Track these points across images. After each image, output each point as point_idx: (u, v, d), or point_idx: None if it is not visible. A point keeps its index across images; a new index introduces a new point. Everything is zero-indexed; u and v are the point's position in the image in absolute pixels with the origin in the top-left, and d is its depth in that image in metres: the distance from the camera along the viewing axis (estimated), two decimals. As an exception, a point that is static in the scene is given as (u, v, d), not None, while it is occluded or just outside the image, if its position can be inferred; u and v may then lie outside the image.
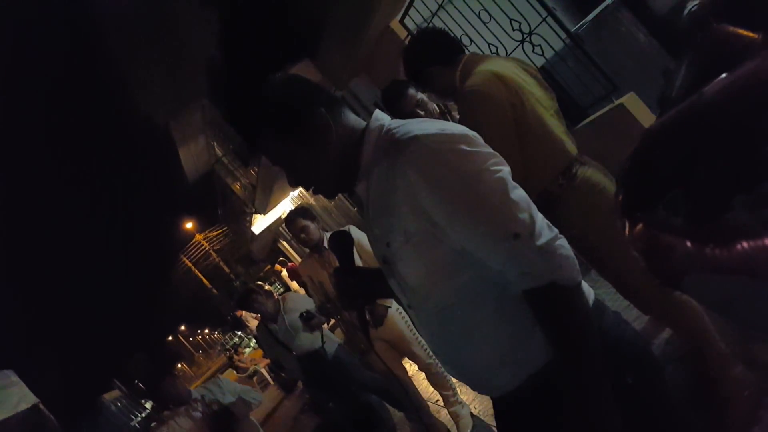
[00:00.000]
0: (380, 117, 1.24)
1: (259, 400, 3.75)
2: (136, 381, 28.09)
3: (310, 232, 3.54)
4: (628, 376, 1.11)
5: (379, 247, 1.23)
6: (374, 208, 1.21)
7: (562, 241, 1.06)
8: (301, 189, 12.34)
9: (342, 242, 1.44)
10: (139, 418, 19.35)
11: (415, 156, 1.08)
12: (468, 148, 1.08)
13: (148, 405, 23.34)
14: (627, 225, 0.68)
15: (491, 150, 1.11)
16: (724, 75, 0.77)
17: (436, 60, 2.18)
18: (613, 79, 3.54)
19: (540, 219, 1.06)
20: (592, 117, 3.62)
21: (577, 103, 3.77)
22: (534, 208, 1.07)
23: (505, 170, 1.09)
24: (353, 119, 1.27)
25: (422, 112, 2.62)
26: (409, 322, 3.68)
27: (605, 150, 2.34)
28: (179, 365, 52.24)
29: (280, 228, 14.64)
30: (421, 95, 2.70)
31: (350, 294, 1.41)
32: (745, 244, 0.56)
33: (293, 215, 3.68)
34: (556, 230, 1.07)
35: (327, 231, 3.78)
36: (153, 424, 6.74)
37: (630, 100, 3.32)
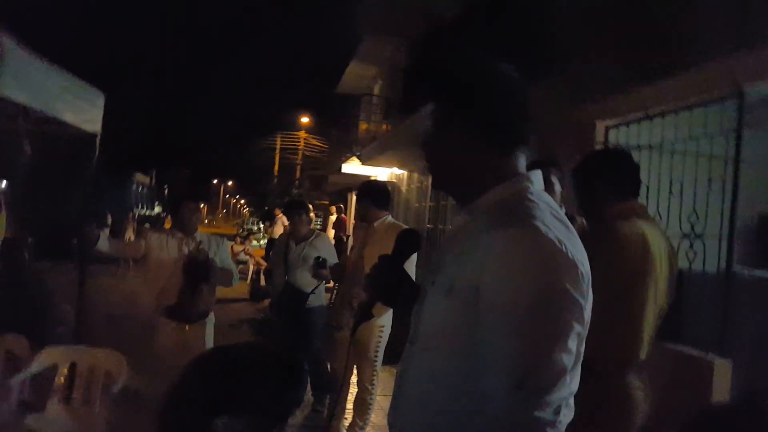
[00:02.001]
0: (535, 180, 1.16)
1: (235, 284, 3.84)
2: (166, 185, 29.50)
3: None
4: None
5: (429, 276, 1.19)
6: (453, 241, 1.17)
7: (551, 429, 0.95)
8: (400, 175, 12.44)
9: (409, 241, 1.44)
10: (140, 211, 20.28)
11: (515, 240, 1.00)
12: (565, 282, 0.97)
13: (157, 209, 24.54)
14: None
15: (584, 304, 1.00)
16: None
17: (614, 183, 2.12)
18: (726, 338, 3.31)
19: (558, 397, 0.95)
20: (679, 348, 3.39)
21: (677, 326, 3.54)
22: (565, 382, 0.96)
23: (576, 329, 0.98)
24: (517, 160, 1.18)
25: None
26: (381, 345, 3.65)
27: (662, 384, 2.20)
28: (203, 205, 54.42)
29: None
30: (558, 187, 2.66)
31: (378, 282, 1.39)
32: None
33: (364, 194, 3.75)
34: (561, 419, 0.96)
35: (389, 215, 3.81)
36: (147, 225, 7.09)
37: (722, 366, 3.13)
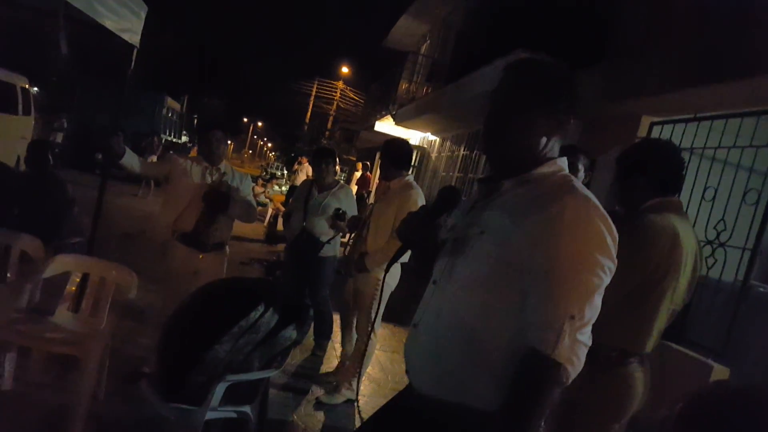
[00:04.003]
0: (564, 166, 1.39)
1: (252, 221, 3.86)
2: (196, 116, 29.55)
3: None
4: None
5: (470, 229, 1.38)
6: (502, 202, 1.35)
7: (586, 351, 1.22)
8: (432, 141, 12.30)
9: (450, 197, 1.57)
10: (167, 137, 20.34)
11: (577, 203, 1.24)
12: (605, 238, 1.23)
13: (184, 138, 24.65)
14: None
15: (614, 256, 1.24)
16: None
17: (656, 176, 2.08)
18: (729, 348, 3.28)
19: (590, 329, 1.23)
20: (681, 348, 3.38)
21: (683, 327, 3.52)
22: (594, 318, 1.23)
23: (607, 281, 1.23)
24: (558, 146, 1.42)
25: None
26: (378, 298, 3.67)
27: (663, 381, 2.21)
28: (230, 142, 54.57)
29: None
30: (582, 174, 2.74)
31: (411, 228, 1.55)
32: None
33: (384, 152, 3.75)
34: (591, 342, 1.23)
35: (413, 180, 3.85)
36: (171, 153, 7.16)
37: (720, 372, 3.14)
